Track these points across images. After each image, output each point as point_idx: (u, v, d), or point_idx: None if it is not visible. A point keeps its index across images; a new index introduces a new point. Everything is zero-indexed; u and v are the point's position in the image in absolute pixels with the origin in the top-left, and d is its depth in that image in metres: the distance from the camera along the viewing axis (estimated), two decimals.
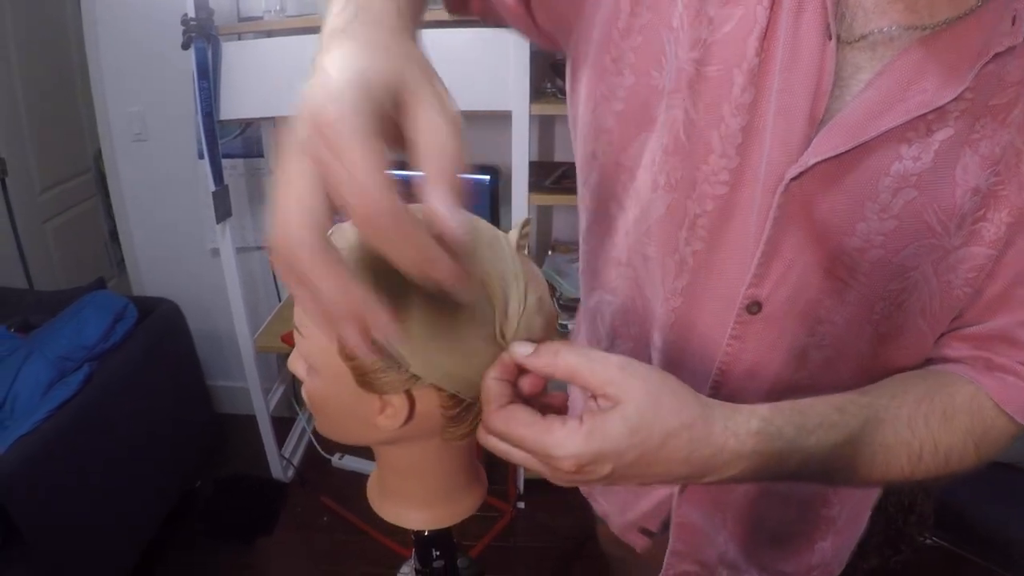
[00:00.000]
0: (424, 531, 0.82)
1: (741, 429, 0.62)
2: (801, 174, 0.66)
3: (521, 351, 0.61)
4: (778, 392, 0.76)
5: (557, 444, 0.58)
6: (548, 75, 2.40)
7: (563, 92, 2.33)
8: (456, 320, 0.59)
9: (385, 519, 0.80)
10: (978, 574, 2.29)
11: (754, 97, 0.68)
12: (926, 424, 0.69)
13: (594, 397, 0.61)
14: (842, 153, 0.64)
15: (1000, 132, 0.64)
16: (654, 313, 0.85)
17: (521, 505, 2.71)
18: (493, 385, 0.61)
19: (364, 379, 0.62)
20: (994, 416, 0.71)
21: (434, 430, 0.67)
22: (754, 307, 0.75)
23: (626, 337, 0.92)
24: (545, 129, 2.69)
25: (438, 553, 0.86)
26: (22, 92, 3.09)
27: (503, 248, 0.64)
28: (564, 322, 2.41)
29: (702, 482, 0.63)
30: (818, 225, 0.70)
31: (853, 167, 0.66)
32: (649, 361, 0.87)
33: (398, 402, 0.63)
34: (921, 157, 0.64)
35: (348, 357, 0.61)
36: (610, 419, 0.58)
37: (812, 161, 0.65)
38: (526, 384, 0.62)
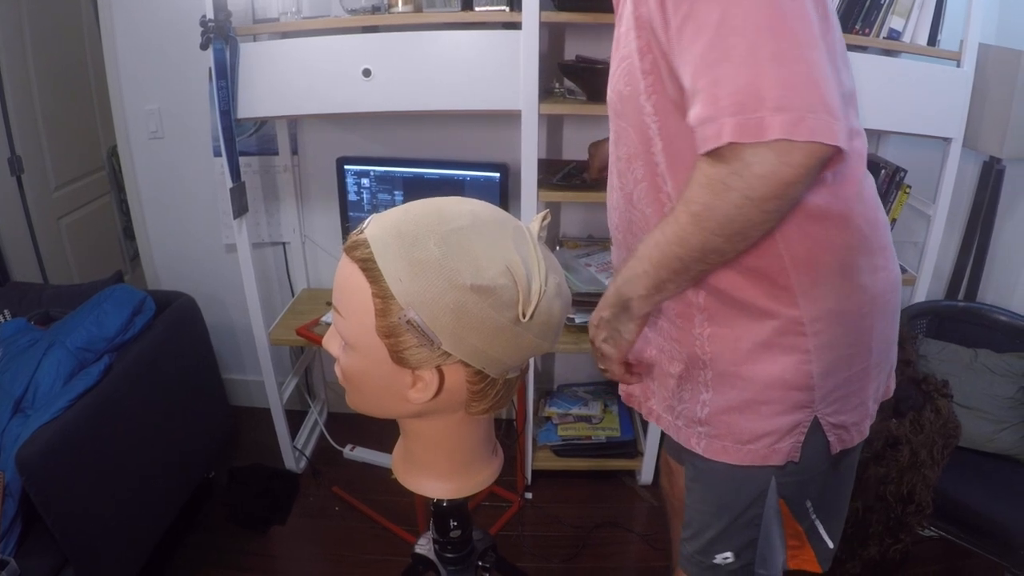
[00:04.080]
0: (443, 502, 0.87)
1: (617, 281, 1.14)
2: None
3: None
4: None
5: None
6: (556, 76, 2.44)
7: (570, 92, 2.39)
8: (484, 302, 0.65)
9: (409, 488, 0.85)
10: (977, 564, 2.33)
11: None
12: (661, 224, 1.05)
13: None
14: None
15: None
16: None
17: (529, 495, 2.76)
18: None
19: (399, 355, 0.67)
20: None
21: (459, 404, 0.73)
22: None
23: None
24: (553, 128, 2.73)
25: (455, 523, 0.91)
26: (37, 91, 3.14)
27: (525, 238, 0.70)
28: (571, 316, 2.46)
29: (622, 307, 1.15)
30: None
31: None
32: None
33: (429, 377, 0.69)
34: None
35: (385, 335, 0.67)
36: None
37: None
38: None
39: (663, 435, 1.44)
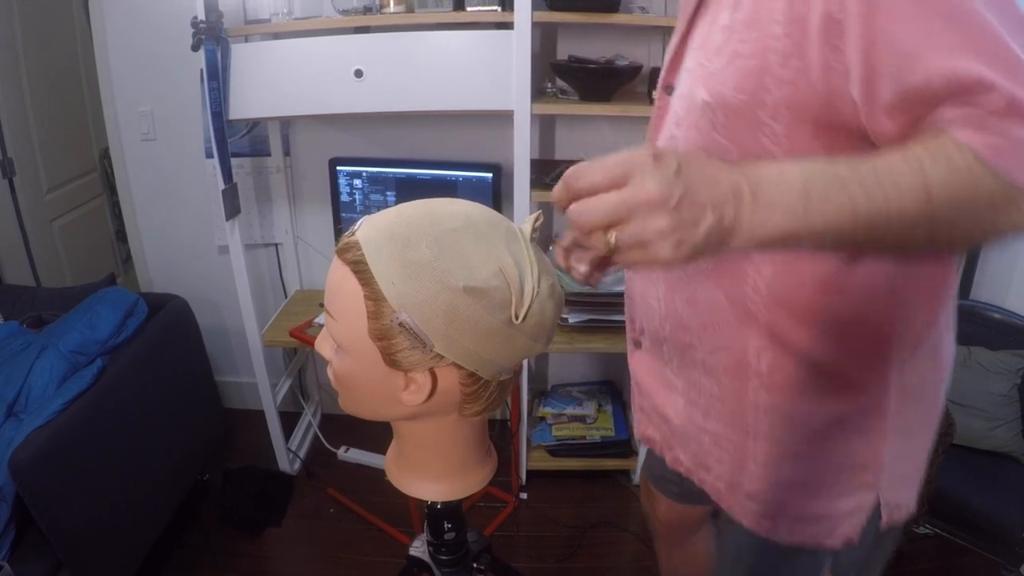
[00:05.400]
0: (437, 504, 0.87)
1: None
2: (665, 85, 1.06)
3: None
4: None
5: (631, 154, 0.64)
6: (549, 76, 2.44)
7: (563, 92, 2.39)
8: (477, 304, 0.65)
9: (402, 491, 0.85)
10: (972, 561, 2.34)
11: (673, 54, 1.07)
12: (911, 143, 0.70)
13: None
14: (675, 52, 1.03)
15: None
16: None
17: (524, 496, 2.76)
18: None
19: (392, 358, 0.67)
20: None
21: (453, 406, 0.73)
22: None
23: None
24: (546, 128, 2.73)
25: (449, 526, 0.91)
26: (29, 94, 3.14)
27: (518, 239, 0.70)
28: (565, 316, 2.46)
29: (736, 199, 0.66)
30: (669, 110, 1.05)
31: (682, 60, 1.02)
32: None
33: (421, 379, 0.69)
34: (704, 31, 0.97)
35: (378, 337, 0.67)
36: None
37: (665, 69, 1.05)
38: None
39: (647, 454, 1.40)
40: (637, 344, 1.27)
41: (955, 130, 0.68)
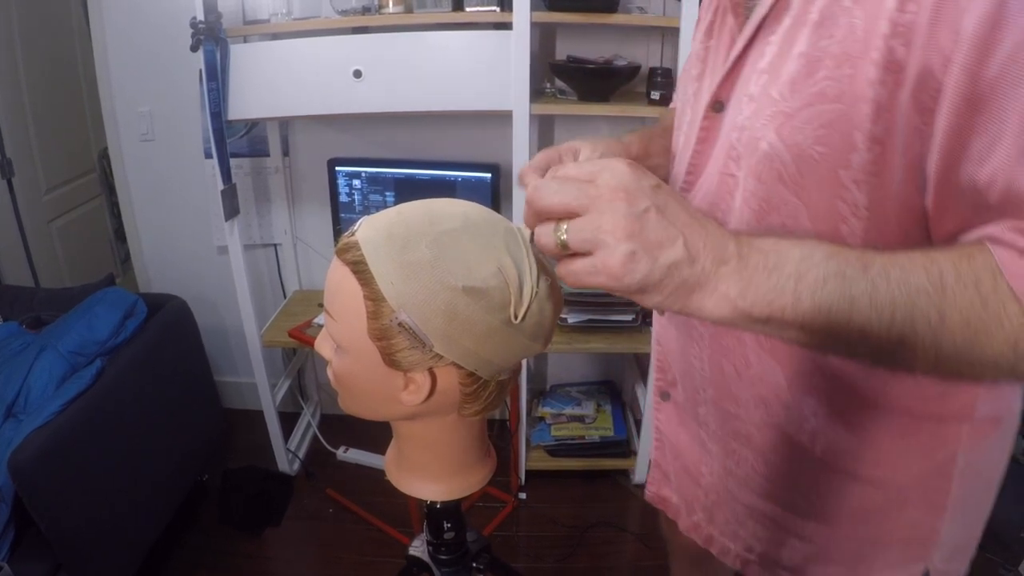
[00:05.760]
0: (437, 504, 0.87)
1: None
2: (713, 100, 0.89)
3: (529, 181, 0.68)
4: None
5: (601, 161, 0.60)
6: (548, 76, 2.44)
7: (561, 92, 2.39)
8: (476, 304, 0.65)
9: (401, 490, 0.85)
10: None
11: (700, 70, 0.98)
12: (943, 253, 0.62)
13: None
14: (732, 65, 0.85)
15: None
16: None
17: (523, 496, 2.76)
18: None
19: (391, 358, 0.68)
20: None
21: (452, 406, 0.73)
22: None
23: None
24: (544, 128, 2.73)
25: (449, 525, 0.91)
26: (27, 94, 3.14)
27: (517, 239, 0.70)
28: (563, 316, 2.46)
29: (722, 258, 0.61)
30: (721, 135, 0.88)
31: (739, 77, 0.85)
32: None
33: (421, 379, 0.69)
34: (773, 49, 0.79)
35: (377, 338, 0.67)
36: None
37: (716, 83, 0.88)
38: None
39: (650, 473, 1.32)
40: (665, 396, 1.17)
41: (998, 250, 0.61)
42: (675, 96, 1.25)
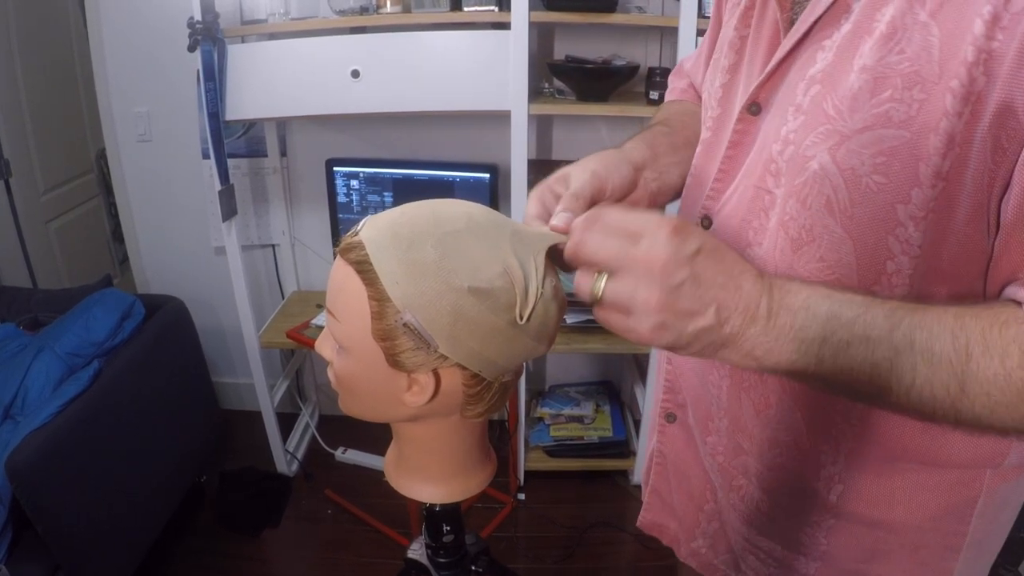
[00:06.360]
0: (436, 506, 0.86)
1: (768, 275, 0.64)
2: (750, 102, 0.81)
3: (560, 220, 0.69)
4: None
5: (650, 219, 0.60)
6: (546, 76, 2.44)
7: (560, 92, 2.38)
8: (482, 304, 0.64)
9: (401, 492, 0.84)
10: None
11: (734, 60, 0.89)
12: (975, 320, 0.60)
13: None
14: (776, 67, 0.77)
15: (892, 7, 0.66)
16: None
17: (522, 496, 2.75)
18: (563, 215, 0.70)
19: (395, 358, 0.67)
20: None
21: (455, 407, 0.73)
22: (705, 221, 0.89)
23: None
24: (543, 128, 2.73)
25: (448, 528, 0.90)
26: (25, 95, 3.13)
27: (523, 241, 0.70)
28: (566, 318, 2.45)
29: (747, 316, 0.61)
30: (758, 142, 0.82)
31: (782, 80, 0.77)
32: None
33: (425, 380, 0.68)
34: (827, 56, 0.71)
35: (381, 338, 0.66)
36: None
37: (754, 84, 0.81)
38: None
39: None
40: (671, 417, 1.11)
41: None
42: (695, 81, 1.17)
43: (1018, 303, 0.63)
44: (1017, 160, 0.60)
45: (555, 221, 0.70)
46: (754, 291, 0.62)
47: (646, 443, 1.25)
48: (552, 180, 0.84)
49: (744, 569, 1.05)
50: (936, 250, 0.69)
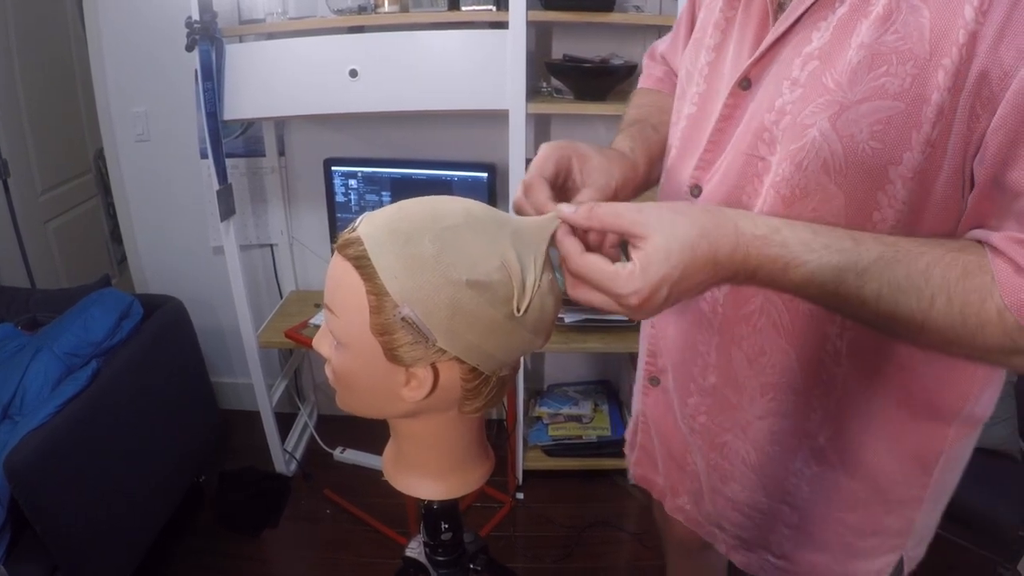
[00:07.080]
0: (434, 504, 0.87)
1: (747, 231, 0.71)
2: (742, 78, 0.87)
3: (566, 210, 0.73)
4: None
5: (623, 286, 0.68)
6: (544, 75, 2.44)
7: (558, 92, 2.38)
8: (480, 298, 0.65)
9: (399, 489, 0.84)
10: (969, 559, 2.34)
11: (719, 40, 0.95)
12: (943, 276, 0.68)
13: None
14: (771, 46, 0.83)
15: None
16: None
17: (520, 496, 2.75)
18: (567, 240, 0.72)
19: (393, 353, 0.67)
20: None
21: (453, 402, 0.73)
22: (695, 190, 0.95)
23: None
24: (541, 127, 2.73)
25: (446, 526, 0.90)
26: (23, 95, 3.13)
27: (521, 235, 0.70)
28: (561, 315, 2.46)
29: (735, 281, 0.73)
30: (748, 113, 0.87)
31: (775, 58, 0.84)
32: None
33: (423, 374, 0.69)
34: (823, 36, 0.78)
35: (379, 332, 0.67)
36: (649, 254, 0.68)
37: (747, 62, 0.86)
38: (591, 238, 0.75)
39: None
40: (655, 381, 1.19)
41: (997, 262, 0.68)
42: (672, 63, 1.23)
43: (979, 242, 0.71)
44: (989, 125, 0.68)
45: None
46: (724, 277, 0.72)
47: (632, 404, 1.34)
48: (572, 150, 0.91)
49: (726, 527, 1.13)
50: (919, 205, 0.76)
